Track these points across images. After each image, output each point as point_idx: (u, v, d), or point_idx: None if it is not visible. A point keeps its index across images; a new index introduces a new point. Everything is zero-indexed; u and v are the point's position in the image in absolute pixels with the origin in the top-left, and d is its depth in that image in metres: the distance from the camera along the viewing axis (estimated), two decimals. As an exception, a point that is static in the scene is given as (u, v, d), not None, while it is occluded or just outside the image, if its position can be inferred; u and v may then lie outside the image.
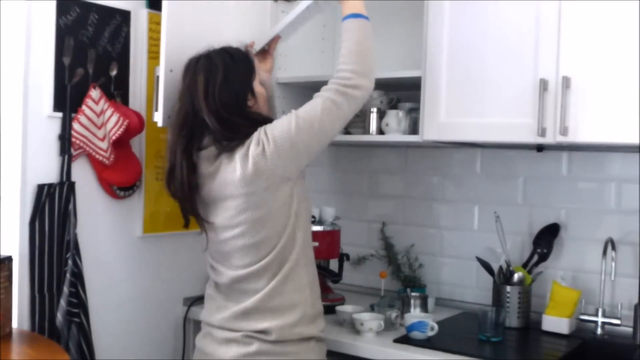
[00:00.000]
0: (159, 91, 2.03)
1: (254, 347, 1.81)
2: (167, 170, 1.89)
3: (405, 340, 2.10)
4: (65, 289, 2.08)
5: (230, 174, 1.78)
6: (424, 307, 2.34)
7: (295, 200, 1.83)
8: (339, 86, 1.80)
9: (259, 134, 1.77)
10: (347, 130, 2.58)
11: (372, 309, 2.36)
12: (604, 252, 2.19)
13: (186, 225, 1.99)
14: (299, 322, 1.84)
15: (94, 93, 2.13)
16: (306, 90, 2.52)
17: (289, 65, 2.58)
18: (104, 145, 2.15)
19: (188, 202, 1.89)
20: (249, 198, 1.78)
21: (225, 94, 1.82)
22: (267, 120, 1.85)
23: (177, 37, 2.05)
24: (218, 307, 1.92)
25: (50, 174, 2.09)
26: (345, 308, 2.32)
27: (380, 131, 2.46)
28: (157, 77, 2.05)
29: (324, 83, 2.51)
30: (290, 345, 1.84)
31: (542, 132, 2.00)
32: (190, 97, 1.84)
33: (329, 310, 2.34)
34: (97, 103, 2.14)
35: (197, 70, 1.85)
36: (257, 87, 1.91)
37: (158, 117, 2.04)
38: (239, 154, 1.77)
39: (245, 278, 1.84)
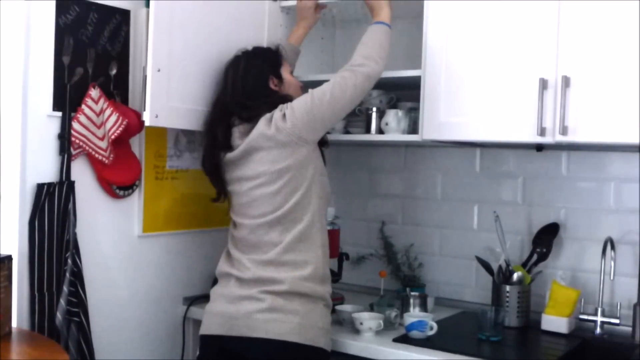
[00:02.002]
0: (147, 90, 2.04)
1: (267, 302, 1.95)
2: (204, 149, 2.20)
3: (404, 339, 2.10)
4: (65, 288, 2.08)
5: (255, 132, 2.02)
6: (424, 307, 2.34)
7: (312, 166, 2.04)
8: (347, 67, 2.07)
9: (282, 105, 2.04)
10: (346, 130, 2.58)
11: (371, 308, 2.36)
12: (603, 252, 2.19)
13: (216, 200, 2.23)
14: (310, 277, 1.99)
15: (94, 92, 2.13)
16: (306, 90, 2.52)
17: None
18: (103, 144, 2.15)
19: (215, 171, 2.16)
20: (270, 151, 2.00)
21: (246, 81, 2.12)
22: (287, 97, 2.11)
23: (165, 37, 2.06)
24: (236, 263, 2.07)
25: (49, 173, 2.09)
26: (345, 307, 2.33)
27: (380, 130, 2.46)
28: (145, 76, 2.06)
29: (323, 83, 2.51)
30: (300, 303, 1.96)
31: (542, 132, 2.00)
32: (222, 90, 2.19)
33: (329, 309, 2.35)
34: (96, 102, 2.13)
35: (227, 68, 2.20)
36: (287, 75, 2.21)
37: (146, 116, 2.06)
38: (263, 118, 2.03)
39: (261, 227, 2.02)
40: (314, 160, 2.05)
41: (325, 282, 2.05)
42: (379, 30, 2.12)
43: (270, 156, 2.01)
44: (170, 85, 2.11)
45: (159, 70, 2.05)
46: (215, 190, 2.21)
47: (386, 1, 2.19)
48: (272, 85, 2.15)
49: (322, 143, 2.12)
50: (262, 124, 2.02)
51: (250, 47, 2.24)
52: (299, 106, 2.01)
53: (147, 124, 2.07)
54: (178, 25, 2.10)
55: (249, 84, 2.12)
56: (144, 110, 2.07)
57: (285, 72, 2.21)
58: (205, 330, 2.08)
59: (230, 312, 2.00)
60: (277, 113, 2.02)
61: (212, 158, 2.14)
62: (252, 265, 2.02)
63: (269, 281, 1.98)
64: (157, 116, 2.06)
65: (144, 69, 2.14)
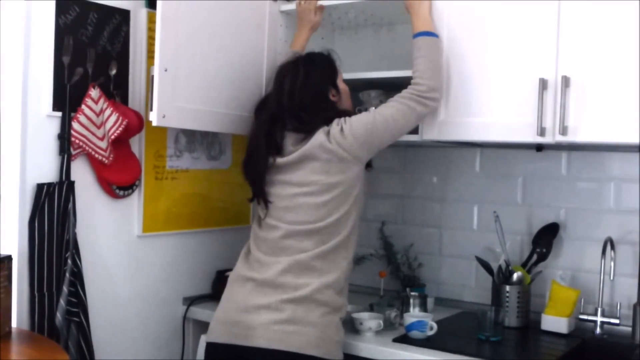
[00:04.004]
0: (154, 90, 2.03)
1: (287, 313, 1.92)
2: (246, 154, 2.13)
3: (404, 339, 2.10)
4: (65, 289, 2.08)
5: (314, 142, 1.99)
6: (423, 307, 2.34)
7: (359, 186, 2.05)
8: (416, 95, 2.05)
9: (340, 120, 2.02)
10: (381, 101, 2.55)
11: (371, 308, 2.36)
12: (603, 252, 2.19)
13: (251, 200, 2.17)
14: (331, 285, 1.97)
15: (94, 92, 2.13)
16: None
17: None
18: (103, 144, 2.15)
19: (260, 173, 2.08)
20: (326, 163, 1.99)
21: (305, 93, 2.05)
22: (345, 112, 2.09)
23: (172, 37, 2.05)
24: (258, 266, 2.03)
25: (49, 173, 2.09)
26: (345, 307, 2.32)
27: (380, 131, 2.46)
28: (152, 76, 2.05)
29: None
30: (320, 314, 1.94)
31: (542, 132, 2.00)
32: (276, 96, 2.09)
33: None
34: (96, 102, 2.13)
35: (284, 74, 2.10)
36: (342, 84, 2.18)
37: (153, 117, 2.05)
38: (321, 130, 2.00)
39: (297, 234, 2.00)
40: (361, 180, 2.05)
41: (343, 294, 2.04)
42: (436, 46, 2.12)
43: (326, 167, 1.99)
44: (177, 85, 2.10)
45: (166, 70, 2.04)
46: (253, 191, 2.14)
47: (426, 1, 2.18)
48: (331, 97, 2.12)
49: (367, 165, 2.10)
50: (321, 135, 1.99)
51: (305, 54, 2.20)
52: (359, 126, 1.99)
53: (154, 124, 2.05)
54: (184, 25, 2.09)
55: (308, 95, 2.06)
56: (151, 110, 2.06)
57: (340, 81, 2.18)
58: (214, 337, 2.02)
59: (247, 321, 1.95)
60: (334, 127, 1.99)
61: (263, 161, 2.06)
62: (275, 267, 1.98)
63: (290, 287, 1.95)
64: (164, 116, 2.05)
65: (151, 68, 2.14)
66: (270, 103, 2.12)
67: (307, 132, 2.01)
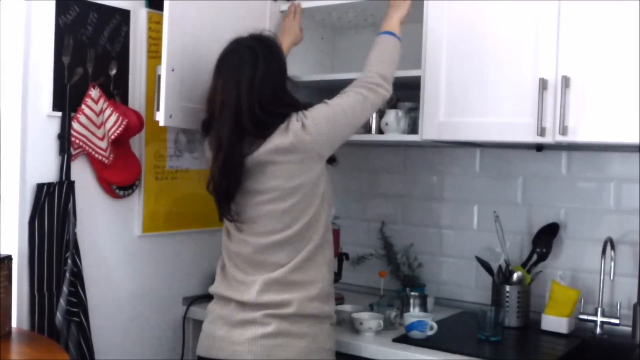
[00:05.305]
0: (161, 90, 2.03)
1: (272, 326, 1.85)
2: (216, 154, 1.91)
3: (404, 339, 2.10)
4: (65, 289, 2.08)
5: (270, 145, 1.85)
6: (423, 307, 2.34)
7: (323, 182, 1.93)
8: (366, 83, 1.97)
9: (297, 114, 1.87)
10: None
11: (371, 308, 2.36)
12: (603, 252, 2.19)
13: (221, 219, 2.00)
14: (316, 297, 1.90)
15: (94, 92, 2.13)
16: (306, 89, 2.52)
17: (288, 65, 2.56)
18: (103, 144, 2.15)
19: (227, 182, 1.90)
20: (285, 166, 1.86)
21: (264, 86, 1.87)
22: (305, 105, 1.93)
23: (178, 36, 2.05)
24: (237, 284, 1.93)
25: (49, 173, 2.09)
26: (345, 307, 2.33)
27: (380, 130, 2.46)
28: (159, 76, 2.05)
29: (324, 82, 2.50)
30: (307, 325, 1.88)
31: (542, 132, 2.00)
32: (236, 91, 1.86)
33: (329, 309, 2.34)
34: (96, 102, 2.13)
35: (242, 66, 1.88)
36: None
37: (160, 116, 2.05)
38: (278, 129, 1.85)
39: (267, 248, 1.89)
40: (324, 177, 1.94)
41: (330, 300, 1.97)
42: (394, 45, 2.05)
43: (285, 171, 1.86)
44: (183, 85, 2.10)
45: (173, 70, 2.04)
46: (221, 207, 1.95)
47: (401, 5, 2.12)
48: (290, 87, 1.97)
49: (331, 160, 1.98)
50: (277, 137, 1.84)
51: (251, 38, 1.94)
52: (321, 120, 1.86)
53: (161, 124, 2.05)
54: (189, 25, 2.09)
55: (268, 90, 1.88)
56: (157, 110, 2.06)
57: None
58: (203, 352, 1.96)
59: (233, 337, 1.87)
60: (294, 124, 1.84)
61: (239, 168, 1.87)
62: (255, 286, 1.88)
63: (274, 304, 1.86)
64: (171, 116, 2.05)
65: (157, 68, 2.14)
66: (224, 99, 1.87)
67: (265, 135, 1.85)
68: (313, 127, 1.85)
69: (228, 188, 1.89)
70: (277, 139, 1.84)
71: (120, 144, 2.23)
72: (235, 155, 1.86)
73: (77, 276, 2.10)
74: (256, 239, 1.90)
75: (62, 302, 2.08)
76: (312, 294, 1.88)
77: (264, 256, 1.90)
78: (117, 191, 2.26)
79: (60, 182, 2.09)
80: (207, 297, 2.57)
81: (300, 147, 1.85)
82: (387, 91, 1.99)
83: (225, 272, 1.99)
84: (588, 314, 2.25)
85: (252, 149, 1.87)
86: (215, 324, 1.94)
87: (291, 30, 2.44)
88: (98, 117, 2.14)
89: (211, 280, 2.62)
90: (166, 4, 2.02)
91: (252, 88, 1.85)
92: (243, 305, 1.89)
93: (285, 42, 2.38)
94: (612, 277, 2.17)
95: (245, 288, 1.90)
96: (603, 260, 2.20)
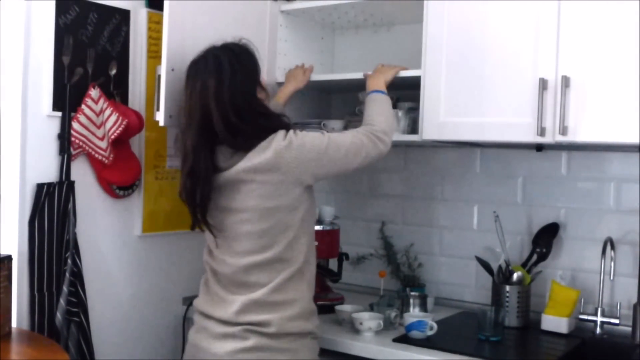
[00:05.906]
0: (161, 90, 2.03)
1: (251, 341, 1.83)
2: (183, 164, 1.90)
3: (404, 339, 2.10)
4: (65, 288, 2.08)
5: (248, 162, 1.81)
6: (423, 307, 2.34)
7: (303, 208, 1.89)
8: (369, 132, 1.96)
9: (290, 132, 1.85)
10: (346, 129, 2.57)
11: (371, 308, 2.36)
12: (603, 252, 2.19)
13: (192, 228, 1.96)
14: (297, 316, 1.87)
15: (94, 92, 2.13)
16: (306, 90, 2.52)
17: (288, 65, 2.58)
18: (103, 144, 2.15)
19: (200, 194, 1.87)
20: (262, 186, 1.82)
21: (235, 96, 1.83)
22: (279, 115, 1.92)
23: (178, 36, 2.05)
24: (219, 300, 1.92)
25: (49, 173, 2.09)
26: (345, 307, 2.32)
27: (380, 131, 2.46)
28: (159, 76, 2.05)
29: (323, 83, 2.50)
30: (288, 341, 1.86)
31: (542, 132, 2.00)
32: (201, 100, 1.84)
33: (328, 309, 2.34)
34: (96, 102, 2.13)
35: (206, 73, 1.85)
36: (264, 80, 1.99)
37: (160, 116, 2.05)
38: (259, 146, 1.81)
39: (249, 269, 1.86)
40: (305, 202, 1.89)
41: (312, 316, 1.93)
42: (387, 102, 2.10)
43: (262, 191, 1.82)
44: (183, 85, 2.09)
45: (173, 70, 2.03)
46: (193, 219, 1.92)
47: (388, 70, 2.22)
48: (261, 96, 1.94)
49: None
50: (256, 154, 1.80)
51: (222, 46, 1.91)
52: (311, 148, 1.83)
53: (161, 124, 2.05)
54: (189, 25, 2.09)
55: (240, 98, 1.84)
56: (157, 110, 2.06)
57: (263, 78, 1.99)
58: None
59: (213, 350, 1.86)
60: (279, 141, 1.81)
61: (207, 183, 1.85)
62: (234, 307, 1.86)
63: (253, 323, 1.84)
64: (170, 116, 2.05)
65: (157, 68, 2.13)
66: (190, 108, 1.86)
67: (245, 147, 1.82)
68: (299, 148, 1.82)
69: (202, 200, 1.86)
70: (257, 158, 1.80)
71: (120, 144, 2.23)
72: (201, 165, 1.83)
73: (77, 276, 2.10)
74: (235, 260, 1.88)
75: (62, 302, 2.08)
76: (293, 313, 1.87)
77: (245, 277, 1.87)
78: (117, 191, 2.26)
79: (60, 182, 2.09)
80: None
81: (278, 166, 1.80)
82: (385, 147, 1.98)
83: (208, 288, 1.97)
84: (588, 314, 2.25)
85: (228, 163, 1.83)
86: (200, 334, 1.94)
87: (297, 78, 2.45)
88: (98, 117, 2.14)
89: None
90: (166, 4, 2.02)
91: (221, 96, 1.82)
92: (223, 321, 1.88)
93: (288, 87, 2.43)
94: (612, 277, 2.17)
95: (226, 305, 1.89)
96: (603, 260, 2.20)
